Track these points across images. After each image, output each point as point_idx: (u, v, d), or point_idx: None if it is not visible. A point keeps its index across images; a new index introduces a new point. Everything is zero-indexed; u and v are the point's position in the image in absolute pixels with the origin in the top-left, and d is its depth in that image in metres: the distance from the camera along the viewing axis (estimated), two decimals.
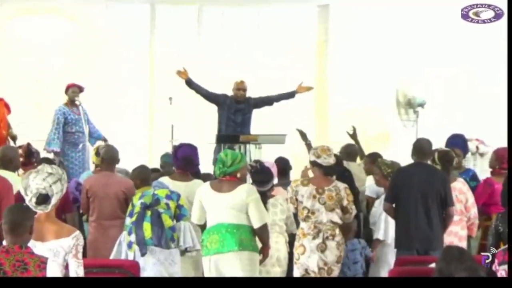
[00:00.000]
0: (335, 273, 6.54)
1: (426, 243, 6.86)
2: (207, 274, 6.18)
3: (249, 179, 7.12)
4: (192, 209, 6.39)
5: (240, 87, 9.82)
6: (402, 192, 6.93)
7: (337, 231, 6.53)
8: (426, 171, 7.02)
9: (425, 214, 6.86)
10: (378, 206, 7.45)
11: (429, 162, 7.30)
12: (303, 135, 8.60)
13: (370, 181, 8.05)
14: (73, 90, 10.33)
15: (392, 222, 7.20)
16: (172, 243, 6.54)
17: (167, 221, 6.54)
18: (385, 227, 7.35)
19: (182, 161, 7.15)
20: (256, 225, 6.15)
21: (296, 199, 6.60)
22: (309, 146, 8.21)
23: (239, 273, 6.04)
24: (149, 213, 6.55)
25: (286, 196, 6.91)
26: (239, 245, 6.06)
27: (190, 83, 9.92)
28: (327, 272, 6.48)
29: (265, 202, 6.88)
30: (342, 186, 6.63)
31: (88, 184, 7.37)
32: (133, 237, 6.55)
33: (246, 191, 6.17)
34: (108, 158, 7.51)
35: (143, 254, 6.45)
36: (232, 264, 6.06)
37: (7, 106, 9.99)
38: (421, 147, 7.12)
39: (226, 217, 6.11)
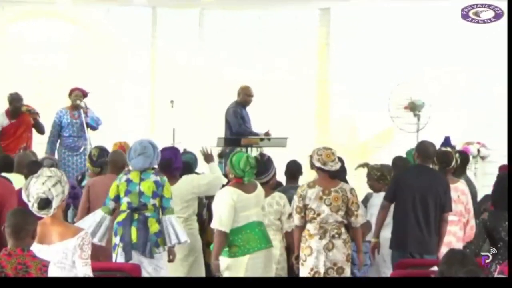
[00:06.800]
0: (346, 272, 6.43)
1: (421, 246, 6.78)
2: (243, 274, 6.06)
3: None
4: (221, 216, 6.14)
5: (252, 93, 9.98)
6: (403, 193, 6.86)
7: (343, 229, 6.46)
8: (429, 175, 6.95)
9: (423, 218, 6.79)
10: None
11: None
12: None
13: None
14: (75, 94, 10.36)
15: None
16: (157, 248, 6.36)
17: (153, 226, 6.36)
18: None
19: (160, 166, 7.08)
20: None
21: (305, 205, 6.48)
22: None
23: (273, 267, 6.35)
24: (136, 216, 6.39)
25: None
26: (270, 241, 6.30)
27: None
28: (337, 272, 6.38)
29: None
30: (348, 187, 6.56)
31: (91, 183, 7.36)
32: (117, 239, 6.39)
33: (262, 190, 6.44)
34: (111, 161, 7.51)
35: (127, 260, 6.28)
36: (268, 259, 6.24)
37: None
38: (426, 150, 7.03)
39: (255, 215, 6.26)
